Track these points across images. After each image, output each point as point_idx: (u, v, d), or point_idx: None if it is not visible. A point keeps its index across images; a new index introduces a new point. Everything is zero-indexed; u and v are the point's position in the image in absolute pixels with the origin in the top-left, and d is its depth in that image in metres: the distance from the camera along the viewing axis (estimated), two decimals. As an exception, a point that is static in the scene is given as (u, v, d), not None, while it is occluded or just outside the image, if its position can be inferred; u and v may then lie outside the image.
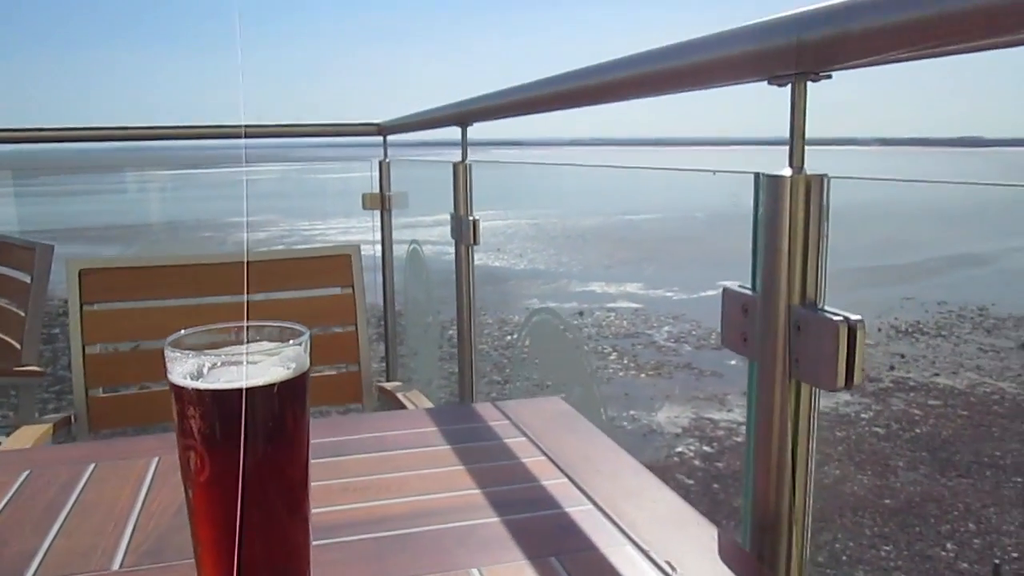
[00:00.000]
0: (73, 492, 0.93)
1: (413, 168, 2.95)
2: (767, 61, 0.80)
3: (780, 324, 0.81)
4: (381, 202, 2.76)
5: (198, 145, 2.92)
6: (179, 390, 0.62)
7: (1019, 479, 4.17)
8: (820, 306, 0.80)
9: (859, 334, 0.74)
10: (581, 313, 7.94)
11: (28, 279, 2.45)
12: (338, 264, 1.86)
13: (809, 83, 0.78)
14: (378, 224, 2.81)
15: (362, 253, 1.92)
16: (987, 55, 0.62)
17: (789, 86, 0.79)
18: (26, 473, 0.99)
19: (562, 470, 0.95)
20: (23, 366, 2.37)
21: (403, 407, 1.70)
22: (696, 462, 4.32)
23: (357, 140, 2.89)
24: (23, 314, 2.42)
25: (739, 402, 5.17)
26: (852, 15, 0.68)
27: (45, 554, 0.79)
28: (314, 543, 0.69)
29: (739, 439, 4.56)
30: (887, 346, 6.82)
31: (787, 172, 0.79)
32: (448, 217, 1.97)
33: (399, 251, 2.87)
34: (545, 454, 1.00)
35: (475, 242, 1.88)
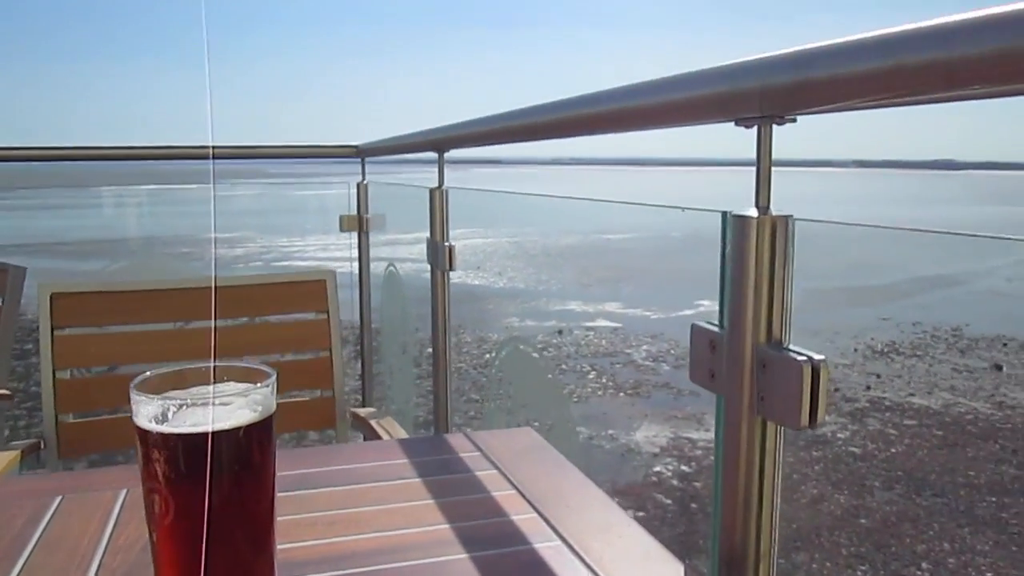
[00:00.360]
0: (38, 527, 0.92)
1: (392, 187, 2.95)
2: (733, 104, 0.81)
3: (746, 362, 0.82)
4: (359, 224, 2.75)
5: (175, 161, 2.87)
6: (144, 433, 0.62)
7: (993, 499, 4.21)
8: (785, 345, 0.81)
9: (823, 374, 0.75)
10: (560, 332, 7.95)
11: (-1, 301, 2.42)
12: (314, 289, 1.86)
13: (775, 125, 0.80)
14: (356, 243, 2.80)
15: (341, 269, 1.91)
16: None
17: (755, 128, 0.81)
18: (-10, 507, 0.97)
19: (531, 504, 0.95)
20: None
21: (376, 434, 1.69)
22: (674, 482, 4.33)
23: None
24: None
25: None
26: (814, 63, 0.70)
27: (7, 593, 0.78)
28: (280, 583, 0.69)
29: (716, 459, 4.57)
30: (863, 366, 6.88)
31: (753, 212, 0.80)
32: (426, 236, 1.97)
33: (378, 268, 2.86)
34: (515, 487, 1.00)
35: (451, 268, 1.88)
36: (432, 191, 1.92)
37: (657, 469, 4.49)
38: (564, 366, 6.64)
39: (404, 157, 2.41)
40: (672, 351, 7.16)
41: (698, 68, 0.86)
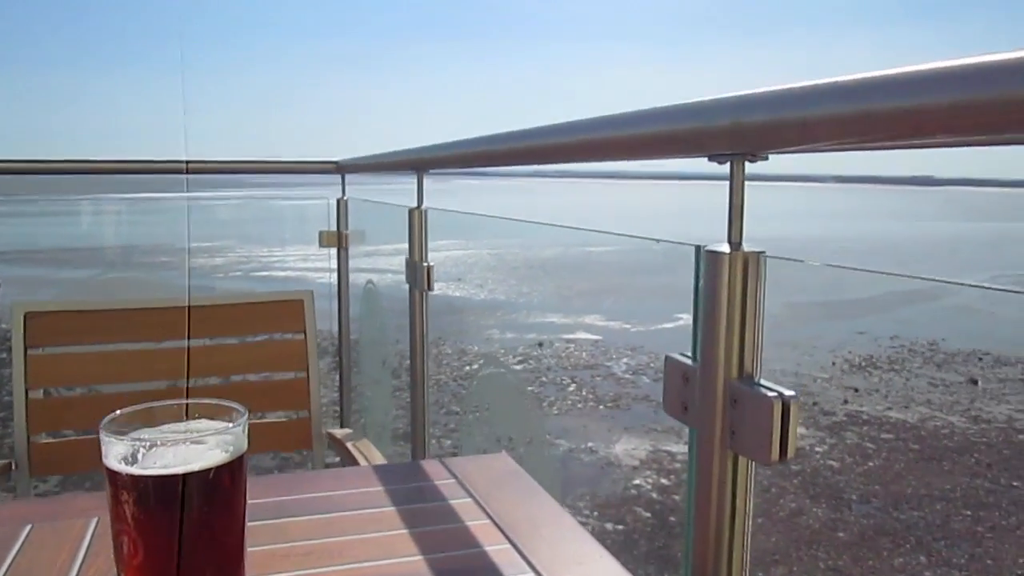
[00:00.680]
0: (6, 558, 0.91)
1: (373, 197, 2.93)
2: (706, 140, 0.82)
3: (718, 396, 0.82)
4: (339, 240, 2.75)
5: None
6: (113, 475, 0.62)
7: (968, 512, 4.25)
8: (756, 379, 0.81)
9: (792, 409, 0.76)
10: (541, 344, 7.95)
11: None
12: (291, 309, 1.85)
13: (747, 162, 0.81)
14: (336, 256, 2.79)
15: (320, 279, 1.90)
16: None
17: (728, 164, 0.82)
18: (-43, 537, 0.96)
19: (506, 535, 0.95)
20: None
21: (352, 457, 1.69)
22: (653, 495, 4.34)
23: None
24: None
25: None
26: (784, 104, 0.70)
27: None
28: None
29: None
30: (841, 379, 6.93)
31: (725, 248, 0.81)
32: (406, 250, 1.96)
33: (358, 279, 2.85)
34: (490, 517, 1.00)
35: (429, 288, 1.88)
36: (411, 211, 1.92)
37: (636, 482, 4.50)
38: (544, 378, 6.64)
39: (382, 181, 2.40)
40: (652, 364, 7.18)
41: (673, 103, 0.86)
